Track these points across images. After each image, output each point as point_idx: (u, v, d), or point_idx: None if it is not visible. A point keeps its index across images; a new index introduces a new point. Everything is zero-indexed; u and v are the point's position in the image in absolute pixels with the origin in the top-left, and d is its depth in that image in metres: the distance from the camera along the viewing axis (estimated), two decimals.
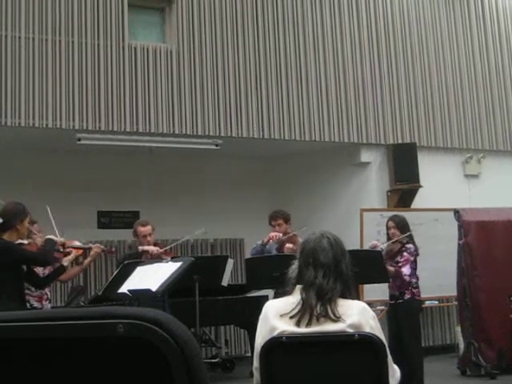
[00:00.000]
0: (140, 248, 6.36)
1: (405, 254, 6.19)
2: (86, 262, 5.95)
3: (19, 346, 0.97)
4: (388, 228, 6.39)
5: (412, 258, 6.21)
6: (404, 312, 6.17)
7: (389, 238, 6.38)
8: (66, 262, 5.40)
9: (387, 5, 9.95)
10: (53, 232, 5.53)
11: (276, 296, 6.46)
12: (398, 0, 10.06)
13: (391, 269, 6.11)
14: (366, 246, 7.93)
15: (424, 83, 10.01)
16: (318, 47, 9.26)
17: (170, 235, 8.92)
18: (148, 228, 6.47)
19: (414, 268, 6.23)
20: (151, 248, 6.26)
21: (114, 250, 6.33)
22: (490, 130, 10.47)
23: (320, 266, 2.70)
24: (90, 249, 5.85)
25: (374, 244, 6.39)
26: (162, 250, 6.27)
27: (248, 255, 7.33)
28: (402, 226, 6.31)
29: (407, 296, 6.19)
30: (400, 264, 6.15)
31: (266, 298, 6.68)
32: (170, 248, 6.68)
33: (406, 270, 6.13)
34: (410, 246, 6.24)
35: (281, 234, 6.53)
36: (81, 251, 5.75)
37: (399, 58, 9.87)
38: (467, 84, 10.39)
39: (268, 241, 6.56)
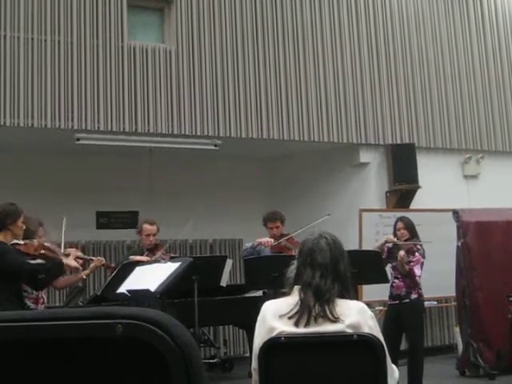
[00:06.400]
0: (131, 258, 6.35)
1: (417, 254, 6.25)
2: (85, 272, 5.93)
3: (18, 347, 0.97)
4: (397, 229, 6.41)
5: (422, 260, 6.26)
6: (411, 311, 6.21)
7: (397, 239, 6.40)
8: (64, 259, 5.35)
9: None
10: (58, 239, 5.55)
11: (266, 298, 6.49)
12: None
13: (406, 267, 6.15)
14: (366, 247, 7.95)
15: (423, 83, 10.01)
16: (317, 45, 9.25)
17: (169, 235, 8.91)
18: (153, 228, 6.51)
19: (422, 269, 6.29)
20: (142, 258, 6.23)
21: (113, 265, 6.34)
22: (489, 130, 10.47)
23: (317, 266, 2.70)
24: (91, 260, 5.84)
25: (390, 238, 6.39)
26: (152, 260, 6.18)
27: None
28: (411, 227, 6.37)
29: (414, 296, 6.23)
30: (412, 264, 6.20)
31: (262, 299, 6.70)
32: (166, 251, 6.65)
33: (417, 271, 6.19)
34: (420, 247, 6.31)
35: (272, 240, 6.58)
36: (81, 260, 5.73)
37: (398, 59, 9.87)
38: (466, 84, 10.39)
39: (258, 245, 6.61)
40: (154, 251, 6.50)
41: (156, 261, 5.83)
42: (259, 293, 7.17)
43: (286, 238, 6.60)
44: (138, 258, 6.29)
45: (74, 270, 5.68)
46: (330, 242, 2.76)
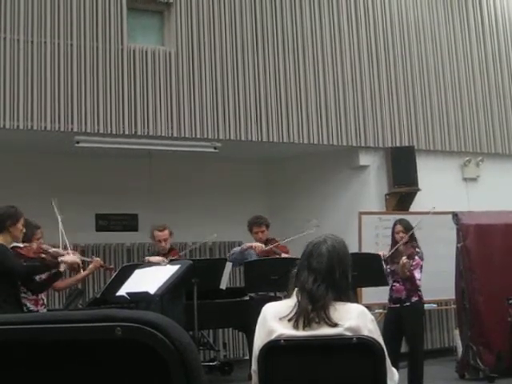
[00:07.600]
0: (146, 259, 6.41)
1: (416, 257, 6.23)
2: (83, 273, 5.92)
3: (17, 349, 0.97)
4: (396, 232, 6.39)
5: (421, 262, 6.24)
6: (411, 314, 6.19)
7: (395, 242, 6.38)
8: (62, 267, 5.32)
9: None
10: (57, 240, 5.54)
11: (254, 301, 6.50)
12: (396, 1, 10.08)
13: (407, 273, 6.13)
14: (365, 249, 7.94)
15: (422, 86, 10.01)
16: (316, 48, 9.25)
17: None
18: (164, 233, 6.58)
19: (421, 272, 6.27)
20: (157, 259, 6.29)
21: (112, 267, 6.33)
22: (489, 133, 10.47)
23: (312, 271, 2.69)
24: (90, 262, 5.83)
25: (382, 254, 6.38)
26: (167, 261, 6.23)
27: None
28: (409, 229, 6.35)
29: (414, 299, 6.22)
30: (412, 268, 6.17)
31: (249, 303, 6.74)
32: (180, 256, 6.67)
33: (417, 274, 6.17)
34: (419, 250, 6.28)
35: (263, 245, 6.60)
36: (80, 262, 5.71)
37: (398, 67, 9.87)
38: (465, 86, 10.39)
39: (247, 249, 6.63)
40: (166, 256, 6.52)
41: (156, 263, 5.86)
42: (246, 297, 7.19)
43: (274, 244, 6.65)
44: (152, 258, 6.34)
45: (73, 269, 5.66)
46: (329, 247, 2.73)
